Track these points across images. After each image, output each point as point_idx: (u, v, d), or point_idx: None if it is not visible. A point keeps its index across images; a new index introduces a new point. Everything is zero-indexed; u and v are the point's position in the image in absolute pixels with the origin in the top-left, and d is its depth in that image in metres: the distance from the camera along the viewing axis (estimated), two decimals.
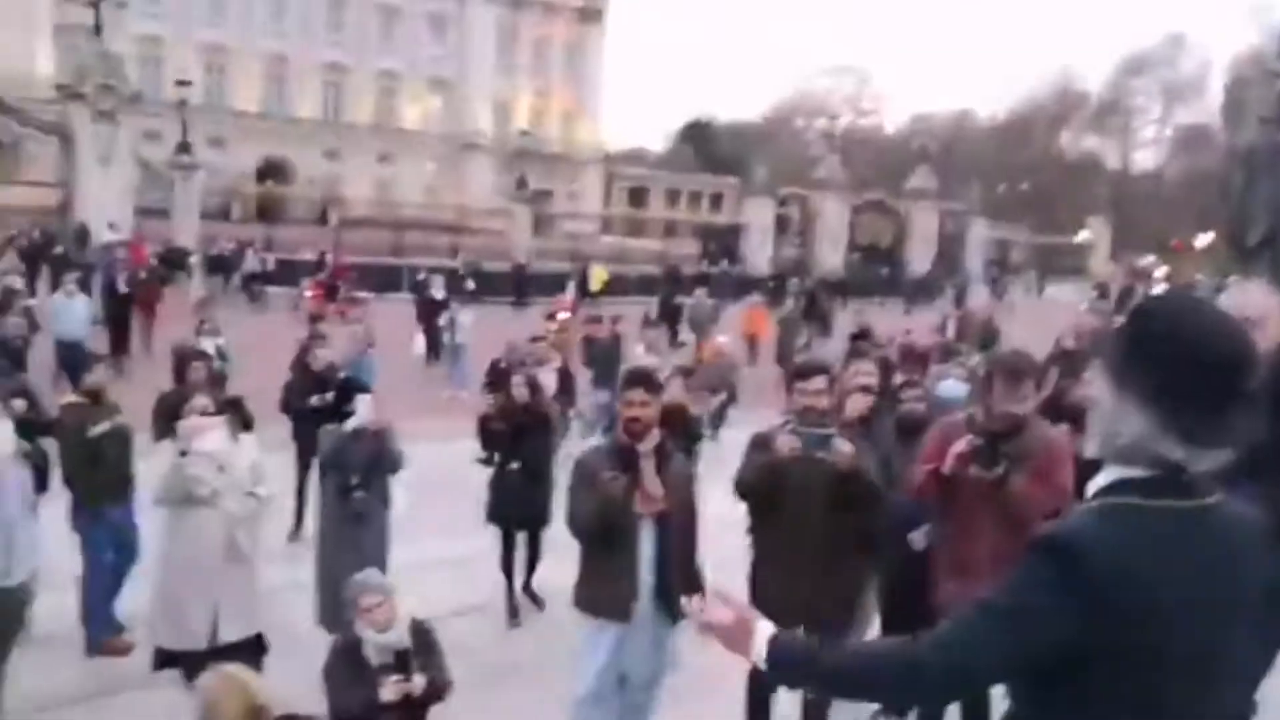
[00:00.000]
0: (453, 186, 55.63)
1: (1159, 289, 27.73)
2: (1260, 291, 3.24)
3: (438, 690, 3.96)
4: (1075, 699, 1.56)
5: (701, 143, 73.09)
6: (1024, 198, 64.69)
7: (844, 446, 3.93)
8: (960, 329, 17.20)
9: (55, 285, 15.01)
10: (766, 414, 5.94)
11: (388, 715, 3.81)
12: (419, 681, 3.84)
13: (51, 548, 5.43)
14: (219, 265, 25.83)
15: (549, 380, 8.06)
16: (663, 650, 4.24)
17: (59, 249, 21.97)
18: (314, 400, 7.26)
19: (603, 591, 4.11)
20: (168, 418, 5.32)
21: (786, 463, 3.98)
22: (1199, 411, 1.51)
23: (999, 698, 1.97)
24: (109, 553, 5.82)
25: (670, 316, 20.38)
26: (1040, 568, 1.54)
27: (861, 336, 12.43)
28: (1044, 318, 21.09)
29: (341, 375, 7.96)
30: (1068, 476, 3.57)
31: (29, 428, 5.27)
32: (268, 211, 40.54)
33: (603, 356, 12.20)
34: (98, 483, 5.71)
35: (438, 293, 17.89)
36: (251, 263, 25.69)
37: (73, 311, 13.65)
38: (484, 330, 15.22)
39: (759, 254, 39.85)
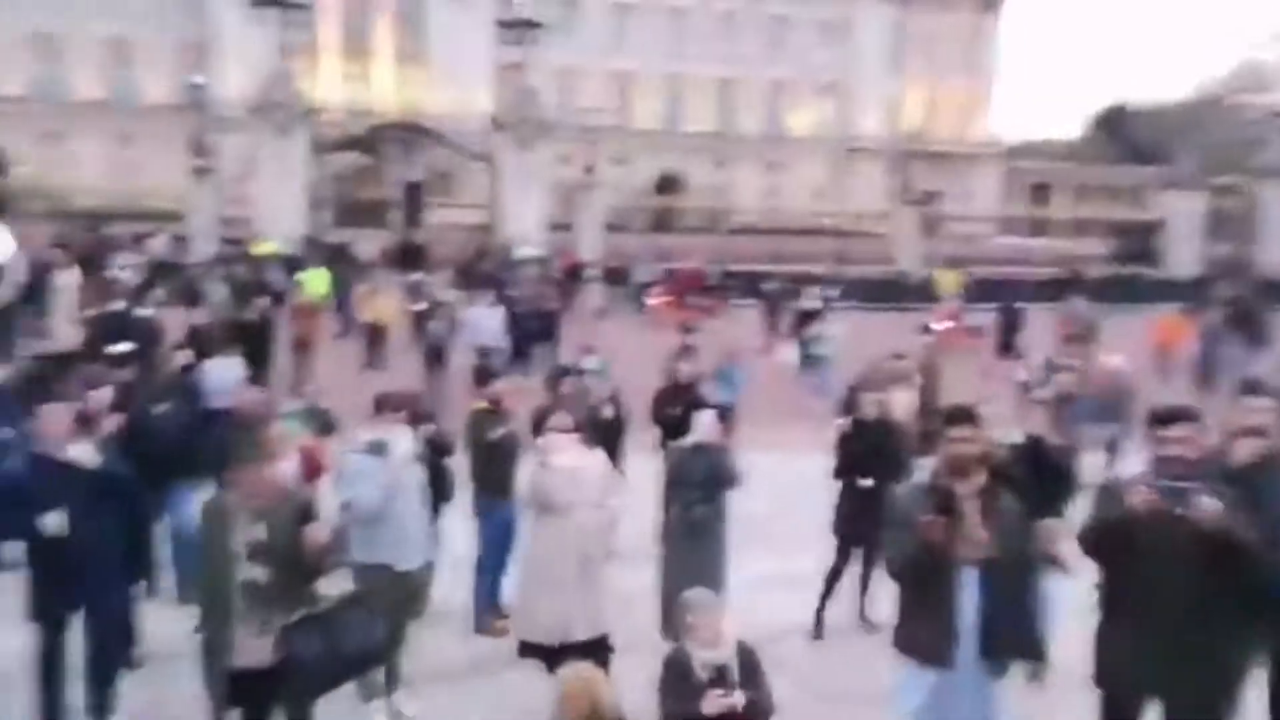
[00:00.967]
0: (840, 192, 55.62)
1: None
2: None
3: (761, 711, 4.03)
4: None
5: (1117, 130, 66.63)
6: None
7: (1209, 502, 3.42)
8: None
9: (475, 297, 17.10)
10: None
11: None
12: (739, 697, 3.93)
13: (454, 538, 6.29)
14: (616, 277, 27.86)
15: (904, 399, 7.80)
16: (987, 702, 3.97)
17: (484, 265, 24.95)
18: (669, 412, 7.64)
19: (920, 634, 3.94)
20: (539, 429, 5.89)
21: (1140, 518, 3.55)
22: None
23: None
24: (498, 544, 6.59)
25: (1010, 326, 18.34)
26: None
27: None
28: None
29: (704, 385, 8.28)
30: None
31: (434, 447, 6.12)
32: (663, 223, 43.24)
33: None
34: (491, 481, 6.48)
35: (811, 303, 17.98)
36: (642, 273, 27.43)
37: (488, 322, 15.52)
38: (859, 340, 15.04)
39: (1182, 253, 35.41)
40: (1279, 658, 3.99)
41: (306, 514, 4.32)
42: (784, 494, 8.07)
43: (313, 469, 5.56)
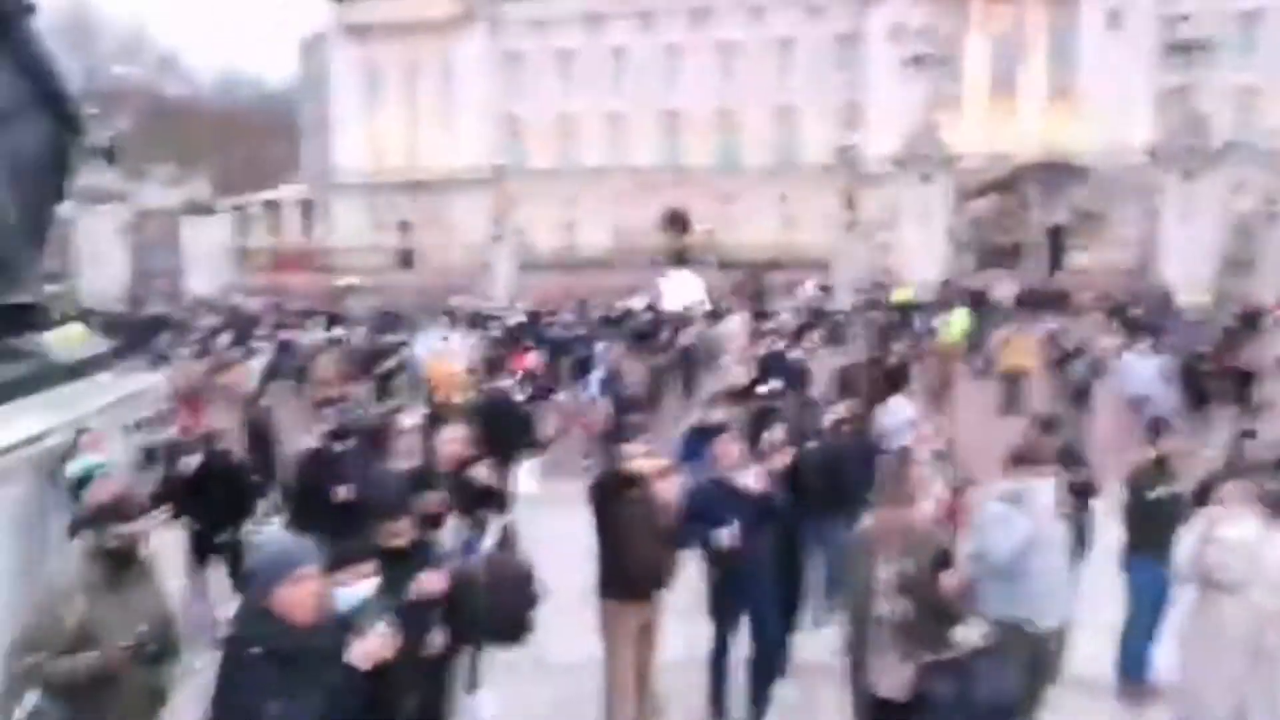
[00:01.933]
0: None
1: None
2: None
3: None
4: None
5: None
6: None
7: None
8: None
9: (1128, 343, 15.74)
10: None
11: None
12: None
13: (1099, 597, 5.91)
14: None
15: None
16: None
17: (1136, 310, 22.82)
18: None
19: None
20: (1206, 496, 5.24)
21: None
22: None
23: None
24: (1149, 608, 5.99)
25: None
26: None
27: None
28: None
29: None
30: None
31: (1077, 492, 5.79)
32: None
33: None
34: (1146, 541, 5.88)
35: None
36: None
37: (1142, 369, 14.21)
38: None
39: None
40: None
41: (945, 558, 4.40)
42: None
43: (949, 514, 5.62)
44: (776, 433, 6.32)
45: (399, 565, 4.30)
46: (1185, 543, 4.75)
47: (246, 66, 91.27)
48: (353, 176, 58.26)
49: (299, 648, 3.04)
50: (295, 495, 6.10)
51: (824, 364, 14.88)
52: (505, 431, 10.25)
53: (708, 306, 20.86)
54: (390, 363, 14.76)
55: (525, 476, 10.08)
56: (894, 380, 14.00)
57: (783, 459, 6.02)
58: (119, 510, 3.86)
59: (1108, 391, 14.19)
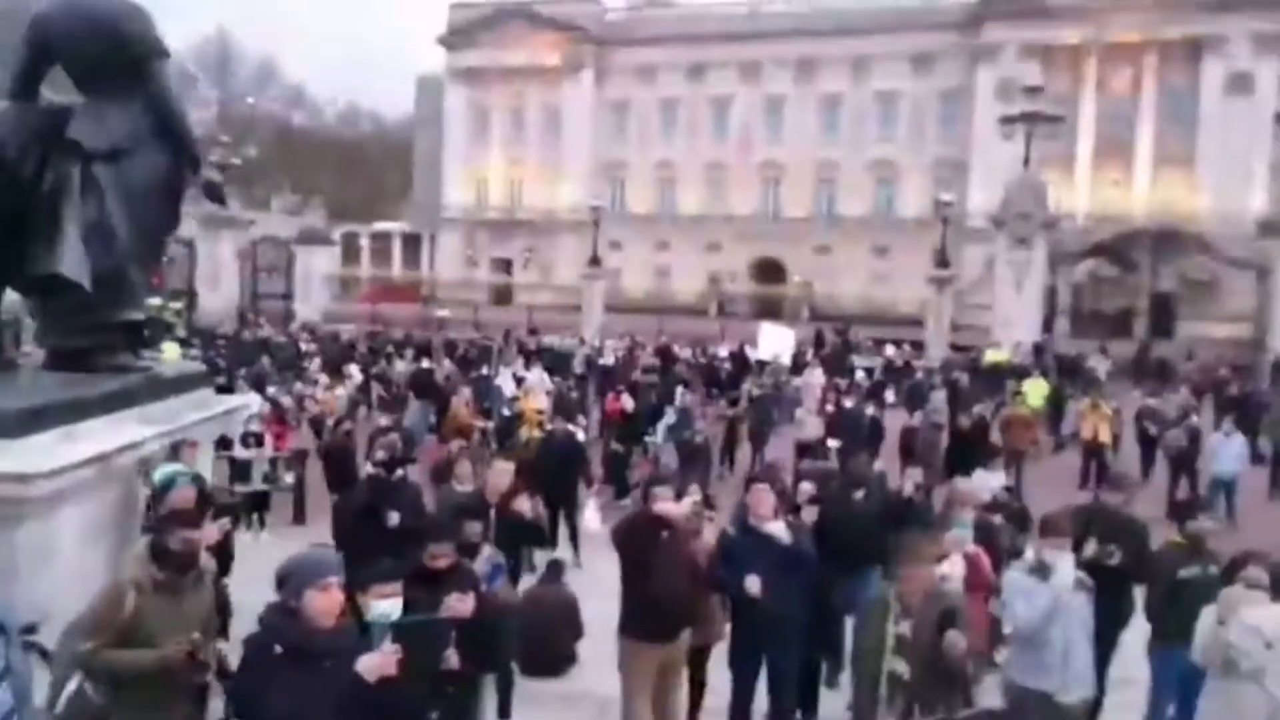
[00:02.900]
0: None
1: None
2: None
3: None
4: None
5: None
6: None
7: None
8: None
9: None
10: None
11: None
12: None
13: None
14: None
15: None
16: None
17: (1232, 385, 22.00)
18: None
19: None
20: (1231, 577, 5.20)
21: None
22: None
23: None
24: (1171, 692, 5.89)
25: None
26: None
27: None
28: None
29: None
30: None
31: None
32: None
33: None
34: (1171, 623, 5.82)
35: None
36: None
37: (1228, 449, 13.83)
38: None
39: None
40: None
41: (951, 618, 4.50)
42: None
43: (976, 578, 5.68)
44: (806, 487, 6.47)
45: (438, 586, 4.64)
46: (1203, 623, 4.74)
47: (367, 101, 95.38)
48: (458, 212, 60.24)
49: (316, 650, 3.37)
50: (353, 518, 6.51)
51: (900, 423, 14.83)
52: (567, 473, 10.59)
53: (789, 359, 20.97)
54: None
55: (590, 515, 10.38)
56: (968, 444, 13.89)
57: (809, 514, 6.18)
58: (185, 517, 4.24)
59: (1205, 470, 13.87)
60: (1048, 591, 4.95)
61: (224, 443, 11.49)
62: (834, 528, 6.65)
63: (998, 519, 7.16)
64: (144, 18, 6.85)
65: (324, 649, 3.41)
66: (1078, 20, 48.32)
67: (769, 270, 54.86)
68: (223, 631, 4.82)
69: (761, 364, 20.55)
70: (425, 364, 17.85)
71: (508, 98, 59.49)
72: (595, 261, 35.99)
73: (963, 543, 5.79)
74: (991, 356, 27.03)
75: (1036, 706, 5.01)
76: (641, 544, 5.41)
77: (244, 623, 4.21)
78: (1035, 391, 18.66)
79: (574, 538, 10.37)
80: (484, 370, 17.92)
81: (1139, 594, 6.13)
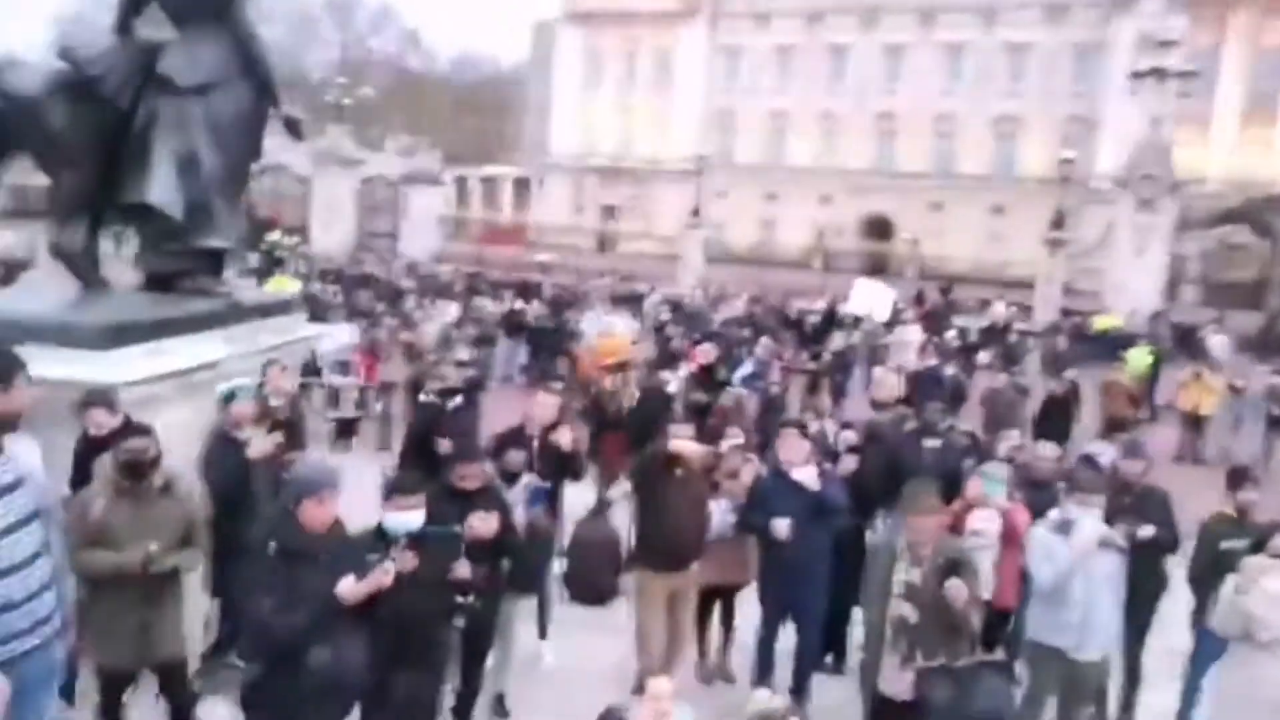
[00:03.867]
0: None
1: None
2: None
3: None
4: None
5: None
6: None
7: None
8: None
9: None
10: None
11: None
12: None
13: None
14: None
15: None
16: None
17: None
18: None
19: None
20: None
21: None
22: None
23: None
24: (1205, 660, 5.74)
25: None
26: None
27: None
28: None
29: None
30: None
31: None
32: None
33: None
34: (1208, 593, 5.66)
35: None
36: None
37: None
38: None
39: None
40: None
41: (954, 568, 4.52)
42: None
43: (1010, 532, 5.61)
44: (848, 435, 6.49)
45: (466, 505, 4.89)
46: (1224, 592, 4.64)
47: (483, 46, 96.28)
48: (565, 158, 60.61)
49: (307, 552, 3.65)
50: (411, 443, 6.86)
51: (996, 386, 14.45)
52: (653, 423, 10.66)
53: (886, 316, 20.56)
54: None
55: None
56: (1057, 409, 13.53)
57: (848, 463, 6.22)
58: (138, 427, 4.48)
59: None
60: (1068, 550, 4.91)
61: (310, 369, 12.15)
62: (904, 472, 6.65)
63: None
64: None
65: (315, 552, 3.69)
66: None
67: (878, 226, 53.66)
68: None
69: (857, 319, 20.23)
70: (517, 305, 18.23)
71: (621, 42, 59.23)
72: (696, 212, 35.85)
73: (992, 497, 5.73)
74: (1101, 322, 26.05)
75: (1051, 663, 5.00)
76: (654, 480, 5.59)
77: None
78: (1138, 358, 17.93)
79: None
80: (570, 314, 18.22)
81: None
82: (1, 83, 6.34)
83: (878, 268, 46.19)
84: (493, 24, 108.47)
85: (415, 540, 4.06)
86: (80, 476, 4.86)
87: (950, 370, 14.38)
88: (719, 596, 6.44)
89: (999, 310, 25.92)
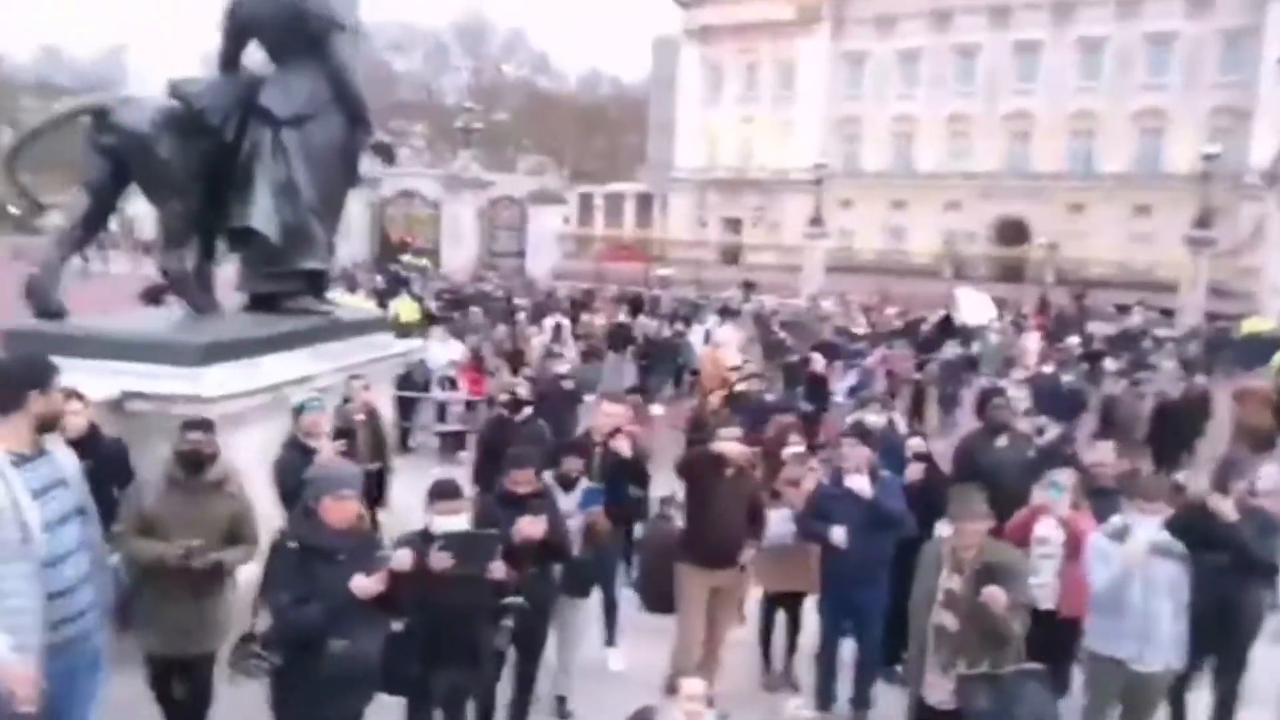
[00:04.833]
0: None
1: None
2: None
3: None
4: None
5: None
6: None
7: None
8: None
9: None
10: None
11: None
12: None
13: None
14: None
15: None
16: None
17: None
18: None
19: None
20: None
21: None
22: None
23: None
24: None
25: None
26: None
27: None
28: None
29: None
30: None
31: None
32: None
33: None
34: None
35: None
36: None
37: None
38: None
39: None
40: None
41: (993, 572, 4.40)
42: None
43: (1074, 540, 5.40)
44: (914, 443, 6.38)
45: (518, 509, 5.06)
46: None
47: (608, 64, 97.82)
48: (688, 172, 60.91)
49: (327, 548, 3.88)
50: (480, 451, 7.10)
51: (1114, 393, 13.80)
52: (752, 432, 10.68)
53: (998, 324, 19.91)
54: None
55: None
56: (1180, 417, 12.84)
57: (914, 471, 6.13)
58: (196, 423, 4.68)
59: None
60: (1121, 556, 4.71)
61: (419, 384, 12.65)
62: (971, 475, 6.52)
63: None
64: None
65: (334, 548, 3.91)
66: None
67: (1012, 230, 51.77)
68: None
69: (973, 329, 19.65)
70: (623, 319, 18.45)
71: (741, 54, 59.23)
72: (816, 221, 35.48)
73: (1057, 505, 5.54)
74: (1250, 325, 24.39)
75: (1110, 673, 4.80)
76: (700, 478, 5.66)
77: None
78: None
79: None
80: (679, 326, 18.29)
81: None
82: (116, 120, 6.94)
83: (1012, 274, 44.57)
84: (616, 41, 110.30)
85: (452, 541, 4.26)
86: None
87: (1068, 378, 13.80)
88: (784, 604, 6.43)
89: (1137, 316, 24.66)
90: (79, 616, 3.59)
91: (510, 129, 64.92)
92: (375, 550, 4.08)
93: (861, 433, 6.07)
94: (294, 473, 5.44)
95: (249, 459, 6.34)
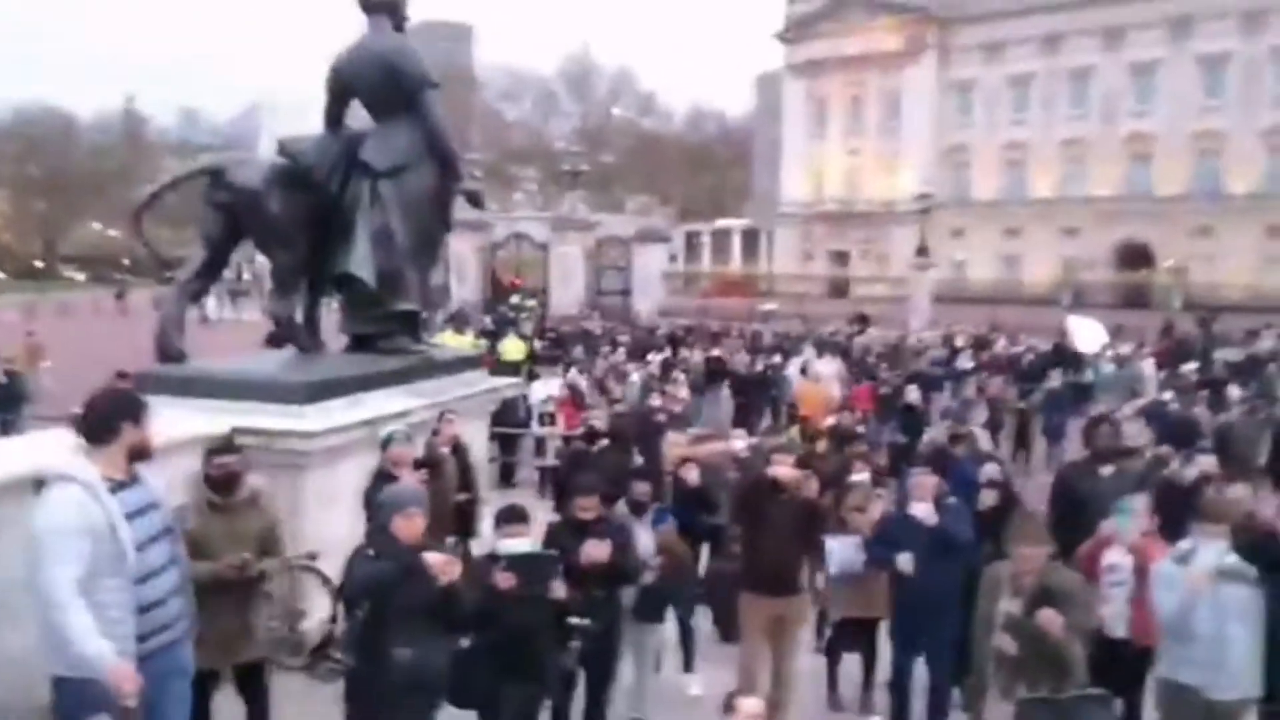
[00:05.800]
0: None
1: None
2: None
3: None
4: None
5: None
6: None
7: None
8: None
9: None
10: None
11: None
12: None
13: None
14: None
15: None
16: None
17: None
18: None
19: None
20: None
21: None
22: None
23: None
24: None
25: None
26: None
27: None
28: None
29: None
30: None
31: None
32: None
33: None
34: None
35: None
36: None
37: None
38: None
39: None
40: None
41: (1047, 597, 4.39)
42: None
43: (1141, 565, 5.29)
44: (989, 469, 6.34)
45: (584, 534, 5.30)
46: None
47: (713, 103, 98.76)
48: (795, 206, 60.85)
49: (395, 557, 4.18)
50: (557, 480, 7.37)
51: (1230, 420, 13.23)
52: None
53: (1110, 351, 19.25)
54: None
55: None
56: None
57: (988, 497, 6.10)
58: (221, 445, 4.94)
59: None
60: (1184, 580, 4.62)
61: (520, 420, 13.04)
62: (1068, 504, 6.46)
63: None
64: (414, 55, 8.20)
65: (401, 558, 4.21)
66: None
67: (1135, 255, 49.90)
68: None
69: (1077, 356, 19.08)
70: (714, 352, 18.57)
71: (845, 87, 59.10)
72: (922, 251, 34.98)
73: (1125, 533, 5.44)
74: None
75: (1184, 701, 4.68)
76: (753, 505, 5.77)
77: None
78: None
79: None
80: (776, 359, 18.34)
81: None
82: (230, 178, 7.58)
83: (1136, 300, 42.97)
84: (720, 78, 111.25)
85: (515, 561, 4.53)
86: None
87: (1175, 405, 13.31)
88: (856, 631, 6.46)
89: (1265, 340, 23.43)
90: (170, 626, 3.98)
91: (617, 170, 66.10)
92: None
93: (932, 460, 6.09)
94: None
95: (347, 488, 6.78)
